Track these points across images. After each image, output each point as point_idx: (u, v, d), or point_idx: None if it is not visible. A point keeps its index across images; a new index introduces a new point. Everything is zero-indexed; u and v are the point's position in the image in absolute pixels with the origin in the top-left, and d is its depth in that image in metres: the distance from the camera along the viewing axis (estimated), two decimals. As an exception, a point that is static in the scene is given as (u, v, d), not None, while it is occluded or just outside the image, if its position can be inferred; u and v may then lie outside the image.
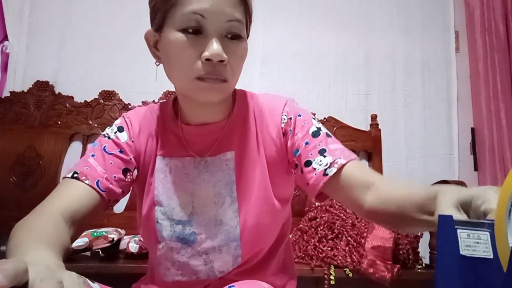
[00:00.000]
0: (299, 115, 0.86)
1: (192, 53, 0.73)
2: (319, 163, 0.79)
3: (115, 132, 0.87)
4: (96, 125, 2.10)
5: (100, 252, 1.62)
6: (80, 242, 1.51)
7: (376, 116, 2.36)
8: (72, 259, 1.51)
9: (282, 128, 0.85)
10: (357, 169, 0.78)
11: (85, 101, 2.14)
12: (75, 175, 0.78)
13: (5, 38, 2.15)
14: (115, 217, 1.91)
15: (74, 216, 0.73)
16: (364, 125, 2.38)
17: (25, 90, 2.10)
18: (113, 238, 1.56)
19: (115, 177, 0.82)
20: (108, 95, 2.16)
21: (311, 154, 0.80)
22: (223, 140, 0.85)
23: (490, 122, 2.43)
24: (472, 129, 2.52)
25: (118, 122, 0.90)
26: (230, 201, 0.83)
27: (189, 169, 0.85)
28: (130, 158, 0.85)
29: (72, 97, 2.14)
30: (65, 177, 0.80)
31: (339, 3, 2.50)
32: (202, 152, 0.85)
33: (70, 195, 0.76)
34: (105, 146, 0.84)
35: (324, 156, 0.79)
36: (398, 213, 0.69)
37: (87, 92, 2.15)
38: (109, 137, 0.86)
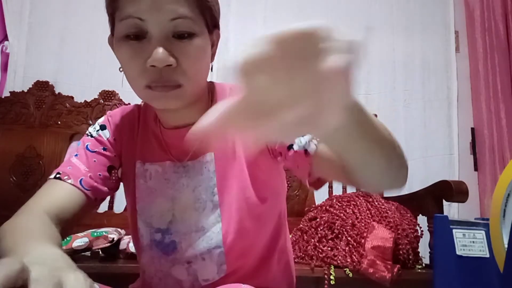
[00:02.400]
0: None
1: (137, 61, 0.67)
2: (298, 144, 0.71)
3: (97, 130, 0.85)
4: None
5: (100, 252, 1.62)
6: (80, 242, 1.51)
7: (376, 116, 2.35)
8: (72, 259, 1.51)
9: None
10: None
11: (85, 101, 2.14)
12: (58, 175, 0.77)
13: (5, 38, 2.16)
14: (115, 217, 1.91)
15: (59, 214, 0.71)
16: (364, 125, 2.37)
17: (25, 90, 2.10)
18: (113, 238, 1.56)
19: (100, 175, 0.80)
20: (108, 95, 2.16)
21: None
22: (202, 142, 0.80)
23: (490, 122, 2.43)
24: (472, 129, 2.52)
25: (101, 120, 0.88)
26: (211, 206, 0.78)
27: (169, 174, 0.81)
28: (115, 155, 0.83)
29: (72, 97, 2.14)
30: (49, 178, 0.78)
31: (339, 3, 2.50)
32: (182, 155, 0.81)
33: (53, 195, 0.74)
34: (87, 145, 0.83)
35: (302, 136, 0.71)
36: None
37: (87, 92, 2.16)
38: (91, 136, 0.84)
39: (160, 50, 0.65)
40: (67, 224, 0.73)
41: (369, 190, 0.60)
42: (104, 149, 0.83)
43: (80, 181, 0.76)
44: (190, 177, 0.80)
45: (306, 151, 0.70)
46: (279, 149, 0.75)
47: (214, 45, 0.78)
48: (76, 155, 0.81)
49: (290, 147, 0.72)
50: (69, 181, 0.76)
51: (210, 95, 0.83)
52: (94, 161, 0.80)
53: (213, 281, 0.79)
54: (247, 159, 0.79)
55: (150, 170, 0.82)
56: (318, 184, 0.75)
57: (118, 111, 0.89)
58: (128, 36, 0.67)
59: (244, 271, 0.81)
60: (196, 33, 0.68)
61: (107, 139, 0.84)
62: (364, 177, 0.57)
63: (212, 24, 0.73)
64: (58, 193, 0.74)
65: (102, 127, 0.86)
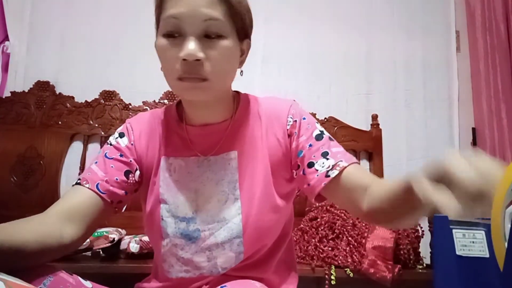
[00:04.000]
0: (304, 118, 0.89)
1: (172, 55, 0.75)
2: (321, 165, 0.81)
3: (116, 138, 0.92)
4: (96, 125, 2.11)
5: (101, 252, 1.62)
6: (80, 242, 1.51)
7: (377, 116, 2.36)
8: (72, 259, 1.51)
9: (287, 130, 0.88)
10: (357, 172, 0.80)
11: (86, 101, 2.14)
12: (78, 181, 0.85)
13: (6, 38, 2.16)
14: (115, 217, 1.88)
15: (71, 213, 0.78)
16: (365, 125, 2.38)
17: (26, 90, 2.10)
18: (113, 238, 1.57)
19: (116, 179, 0.86)
20: (108, 95, 2.16)
21: (314, 156, 0.83)
22: (226, 140, 0.88)
23: (491, 122, 2.43)
24: (473, 129, 2.51)
25: (120, 129, 0.95)
26: (233, 198, 0.85)
27: (192, 168, 0.88)
28: (131, 160, 0.89)
29: (73, 97, 2.14)
30: (72, 185, 0.86)
31: (340, 3, 2.50)
32: (206, 151, 0.88)
33: (69, 197, 0.82)
34: (106, 153, 0.90)
35: (327, 159, 0.82)
36: (389, 206, 0.69)
37: (88, 92, 2.16)
38: (111, 144, 0.92)
39: (192, 45, 0.73)
40: (84, 223, 0.80)
41: (376, 225, 0.82)
42: (121, 155, 0.89)
43: (97, 185, 0.83)
44: (214, 171, 0.87)
45: (327, 173, 0.80)
46: (299, 162, 0.85)
47: (244, 53, 0.86)
48: (96, 162, 0.89)
49: (311, 165, 0.83)
50: (87, 185, 0.83)
51: (235, 101, 0.91)
52: (112, 166, 0.87)
53: (230, 268, 0.85)
54: (272, 159, 0.87)
55: (174, 164, 0.89)
56: (321, 199, 0.85)
57: (136, 118, 0.97)
58: (166, 34, 0.76)
59: (256, 261, 0.88)
60: (225, 35, 0.76)
61: (125, 145, 0.91)
62: (385, 223, 0.78)
63: (242, 32, 0.81)
64: (73, 196, 0.82)
65: (121, 135, 0.93)
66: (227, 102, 0.89)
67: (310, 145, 0.85)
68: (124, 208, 0.92)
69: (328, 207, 1.78)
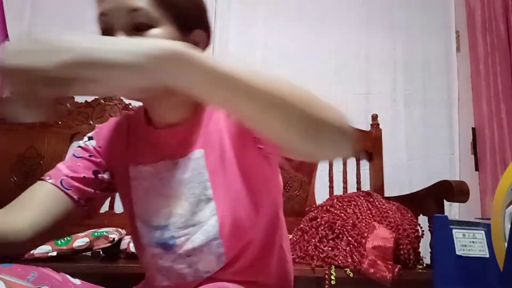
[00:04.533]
0: None
1: None
2: None
3: (85, 141, 0.90)
4: (96, 125, 2.10)
5: (101, 252, 1.62)
6: (80, 242, 1.51)
7: (376, 116, 2.36)
8: (72, 259, 1.51)
9: None
10: None
11: (86, 101, 2.14)
12: (41, 178, 0.83)
13: (6, 38, 2.16)
14: (116, 217, 1.91)
15: (24, 203, 0.78)
16: (364, 125, 2.38)
17: (26, 90, 2.10)
18: (113, 238, 1.57)
19: (84, 176, 0.84)
20: (108, 95, 2.16)
21: None
22: (191, 139, 0.83)
23: (491, 122, 2.43)
24: (473, 129, 2.51)
25: (90, 134, 0.93)
26: (205, 199, 0.80)
27: (162, 174, 0.83)
28: (100, 161, 0.87)
29: (73, 97, 2.14)
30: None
31: (339, 3, 2.50)
32: (173, 154, 0.83)
33: (28, 191, 0.81)
34: (74, 153, 0.88)
35: None
36: None
37: (88, 92, 2.15)
38: (80, 146, 0.90)
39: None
40: (42, 212, 0.77)
41: (295, 156, 0.61)
42: (90, 156, 0.87)
43: (61, 181, 0.81)
44: (182, 174, 0.82)
45: None
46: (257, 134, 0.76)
47: (197, 45, 0.79)
48: (64, 162, 0.87)
49: None
50: (50, 180, 0.81)
51: None
52: (79, 165, 0.85)
53: (213, 272, 0.81)
54: (236, 152, 0.81)
55: (143, 172, 0.85)
56: (301, 167, 0.75)
57: (107, 123, 0.94)
58: (102, 34, 0.73)
59: (243, 264, 0.83)
60: (154, 25, 0.72)
61: (93, 147, 0.89)
62: (274, 140, 0.61)
63: (183, 21, 0.76)
64: (31, 189, 0.81)
65: (90, 138, 0.91)
66: (186, 98, 0.79)
67: None
68: (99, 209, 0.91)
69: (328, 207, 1.78)
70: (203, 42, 0.81)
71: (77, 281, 0.72)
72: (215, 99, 0.56)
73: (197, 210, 0.81)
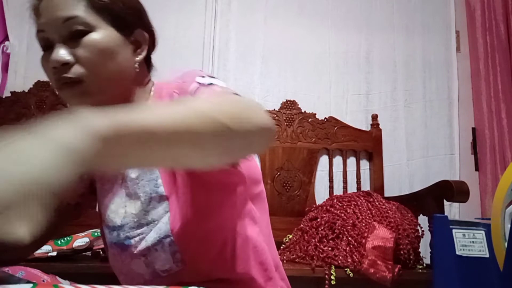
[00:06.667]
0: (184, 82, 0.78)
1: (47, 68, 0.74)
2: None
3: None
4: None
5: (101, 252, 1.62)
6: (80, 242, 1.51)
7: (377, 116, 2.36)
8: (72, 259, 1.51)
9: None
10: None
11: (86, 101, 2.14)
12: None
13: (6, 38, 2.16)
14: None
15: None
16: (364, 125, 2.38)
17: (26, 90, 2.10)
18: (113, 238, 1.57)
19: None
20: (109, 95, 2.16)
21: None
22: None
23: (491, 122, 2.43)
24: (473, 129, 2.51)
25: None
26: (157, 197, 0.79)
27: (120, 175, 0.84)
28: None
29: (73, 97, 2.14)
30: None
31: (339, 2, 2.50)
32: None
33: None
34: None
35: None
36: None
37: (88, 92, 2.15)
38: None
39: (57, 51, 0.70)
40: (47, 228, 0.75)
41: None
42: None
43: None
44: (135, 172, 0.82)
45: None
46: None
47: (140, 46, 0.80)
48: None
49: None
50: None
51: (150, 96, 0.85)
52: None
53: (172, 271, 0.79)
54: None
55: (106, 174, 0.86)
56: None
57: None
58: (43, 49, 0.75)
59: (203, 261, 0.79)
60: (90, 30, 0.72)
61: None
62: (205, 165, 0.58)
63: (122, 22, 0.76)
64: None
65: None
66: (134, 99, 0.82)
67: None
68: (87, 209, 0.92)
69: (328, 207, 1.78)
70: (145, 42, 0.81)
71: (66, 282, 0.72)
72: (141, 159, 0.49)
73: (149, 208, 0.79)
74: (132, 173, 0.82)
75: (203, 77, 0.76)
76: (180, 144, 0.49)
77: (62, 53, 0.70)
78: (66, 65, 0.71)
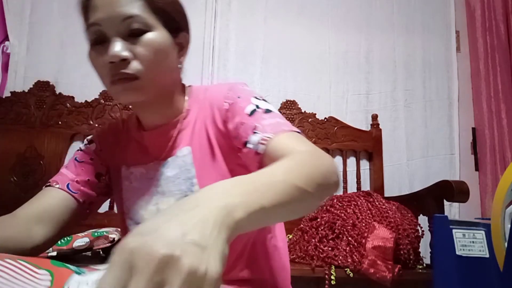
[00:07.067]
0: (239, 97, 0.81)
1: (101, 62, 0.75)
2: (252, 142, 0.73)
3: (86, 144, 0.94)
4: (97, 125, 2.10)
5: (101, 252, 1.62)
6: (80, 242, 1.51)
7: (376, 116, 2.36)
8: (72, 259, 1.51)
9: (224, 115, 0.81)
10: (283, 142, 0.71)
11: (86, 101, 2.14)
12: (48, 184, 0.86)
13: (6, 38, 2.16)
14: (116, 217, 1.90)
15: (41, 215, 0.80)
16: (364, 125, 2.38)
17: (26, 90, 2.10)
18: (114, 238, 1.56)
19: (88, 179, 0.88)
20: (108, 95, 2.16)
21: (246, 134, 0.75)
22: (178, 138, 0.85)
23: (491, 122, 2.43)
24: (473, 129, 2.52)
25: (89, 137, 0.96)
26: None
27: (152, 173, 0.86)
28: (101, 163, 0.92)
29: (73, 97, 2.14)
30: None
31: (339, 3, 2.50)
32: (162, 154, 0.86)
33: (38, 198, 0.84)
34: (76, 157, 0.92)
35: (255, 133, 0.74)
36: None
37: (88, 92, 2.15)
38: (81, 150, 0.93)
39: (116, 46, 0.72)
40: (55, 224, 0.82)
41: None
42: (91, 159, 0.91)
43: (67, 185, 0.85)
44: (170, 171, 0.84)
45: (256, 150, 0.73)
46: (238, 144, 0.78)
47: (183, 48, 0.84)
48: (66, 167, 0.90)
49: (246, 144, 0.75)
50: (57, 186, 0.85)
51: (185, 97, 0.88)
52: (82, 169, 0.89)
53: None
54: (223, 150, 0.83)
55: (134, 172, 0.88)
56: None
57: (105, 127, 0.98)
58: (94, 43, 0.76)
59: (231, 258, 0.81)
60: (148, 29, 0.75)
61: (93, 150, 0.93)
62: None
63: (172, 25, 0.80)
64: (44, 197, 0.84)
65: (90, 142, 0.95)
66: (174, 100, 0.85)
67: (243, 124, 0.76)
68: (97, 210, 0.94)
69: (328, 207, 1.78)
70: (187, 44, 0.86)
71: (84, 271, 0.72)
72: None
73: None
74: (169, 172, 0.84)
75: (258, 98, 0.81)
76: (283, 213, 0.56)
77: (122, 49, 0.72)
78: (124, 61, 0.73)
